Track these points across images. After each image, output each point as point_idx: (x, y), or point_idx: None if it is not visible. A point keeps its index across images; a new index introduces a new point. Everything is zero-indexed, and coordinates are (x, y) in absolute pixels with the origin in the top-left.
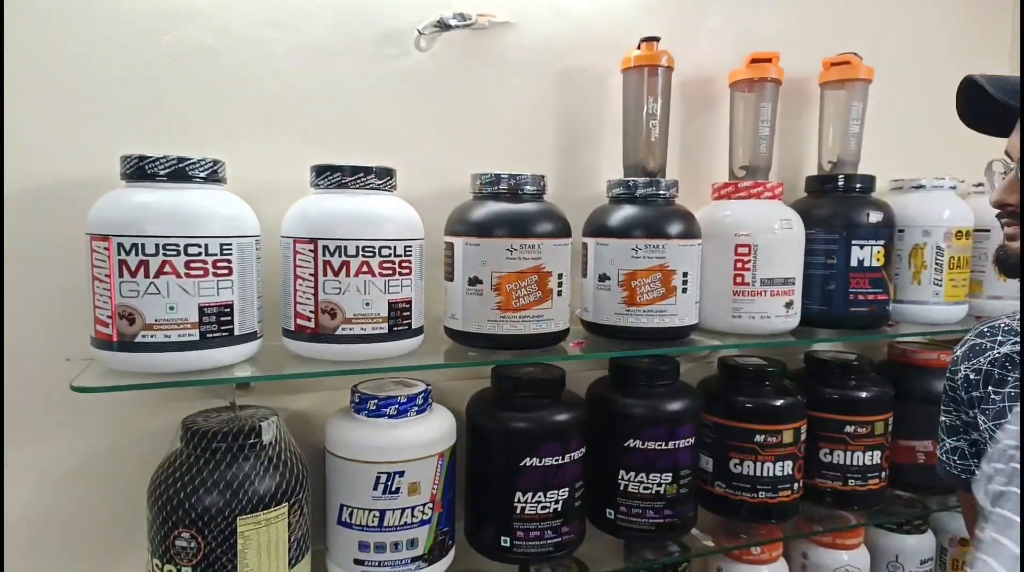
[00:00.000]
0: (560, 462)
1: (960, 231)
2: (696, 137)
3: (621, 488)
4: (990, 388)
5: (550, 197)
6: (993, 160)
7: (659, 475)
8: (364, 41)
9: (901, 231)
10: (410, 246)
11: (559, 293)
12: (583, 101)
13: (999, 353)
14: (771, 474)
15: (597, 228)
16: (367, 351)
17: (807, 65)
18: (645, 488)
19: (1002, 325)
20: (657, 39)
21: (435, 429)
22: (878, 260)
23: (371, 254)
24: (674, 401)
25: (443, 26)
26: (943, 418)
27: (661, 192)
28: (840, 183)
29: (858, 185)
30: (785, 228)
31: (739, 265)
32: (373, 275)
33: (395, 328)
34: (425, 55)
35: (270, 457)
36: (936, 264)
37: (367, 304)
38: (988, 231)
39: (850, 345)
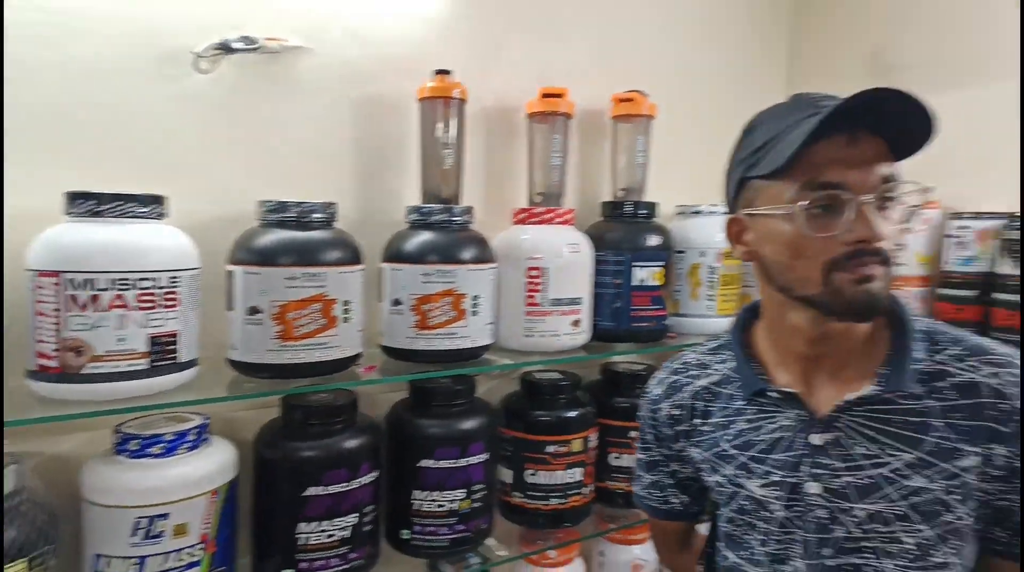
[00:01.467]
0: (347, 488)
1: (729, 252)
2: (502, 164)
3: (415, 508)
4: (696, 420)
5: (351, 223)
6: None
7: (452, 492)
8: (141, 60)
9: (681, 252)
10: (177, 277)
11: (346, 320)
12: (384, 127)
13: (699, 386)
14: (562, 481)
15: (392, 254)
16: (121, 389)
17: (601, 99)
18: (439, 506)
19: (691, 361)
20: (448, 72)
21: (208, 465)
22: (657, 279)
23: (127, 287)
24: (467, 420)
25: (226, 49)
26: (640, 456)
27: (455, 218)
28: (627, 209)
29: (642, 211)
30: (573, 251)
31: (531, 286)
32: (129, 309)
33: (157, 363)
34: (208, 78)
35: (10, 509)
36: (709, 281)
37: (121, 340)
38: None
39: (644, 356)
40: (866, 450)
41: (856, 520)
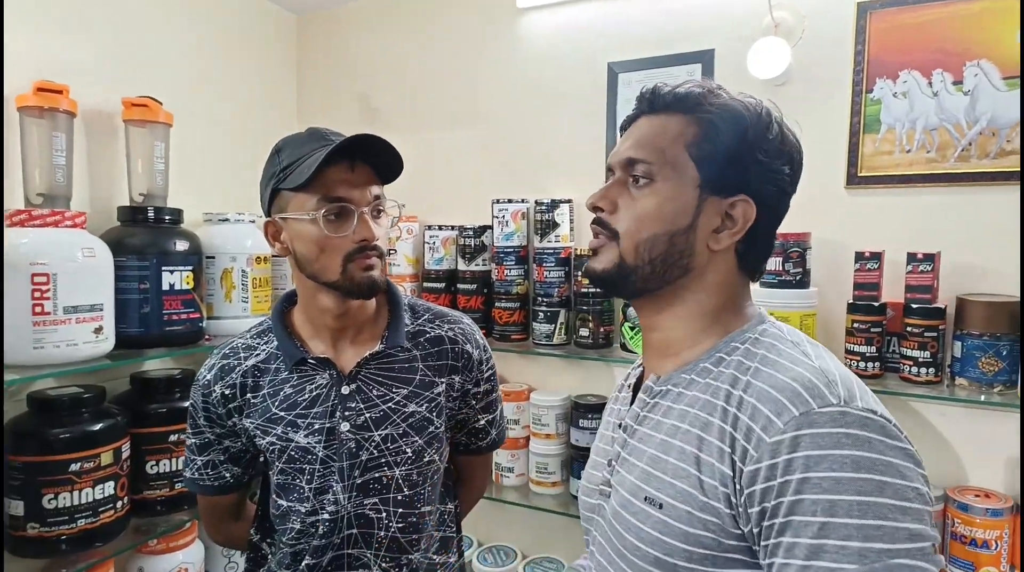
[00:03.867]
0: None
1: (260, 257)
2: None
3: None
4: (248, 395)
5: None
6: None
7: None
8: None
9: (211, 257)
10: None
11: None
12: None
13: (248, 365)
14: (91, 499)
15: None
16: None
17: (111, 102)
18: None
19: (239, 345)
20: None
21: None
22: (188, 283)
23: None
24: None
25: None
26: (192, 441)
27: None
28: (151, 215)
29: (167, 217)
30: (88, 256)
31: (38, 295)
32: None
33: None
34: None
35: None
36: (243, 285)
37: None
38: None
39: (178, 361)
40: (378, 391)
41: (375, 443)
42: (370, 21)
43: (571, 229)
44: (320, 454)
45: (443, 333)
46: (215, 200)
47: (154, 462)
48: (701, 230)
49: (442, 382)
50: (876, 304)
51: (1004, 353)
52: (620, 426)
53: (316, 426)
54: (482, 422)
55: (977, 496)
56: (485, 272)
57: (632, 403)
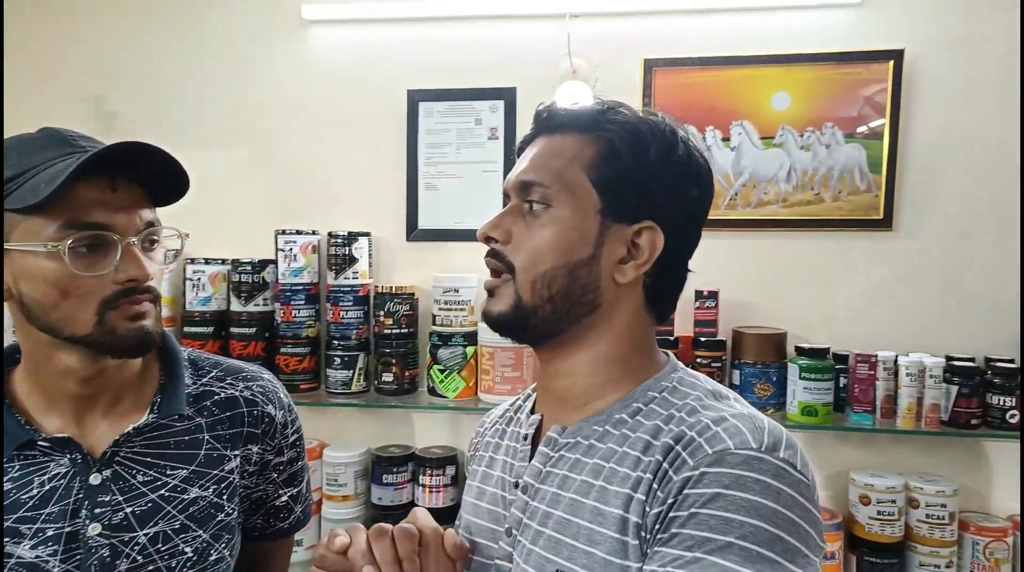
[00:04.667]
0: None
1: None
2: None
3: None
4: None
5: None
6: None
7: None
8: None
9: None
10: None
11: None
12: None
13: None
14: None
15: None
16: None
17: None
18: None
19: None
20: None
21: None
22: None
23: None
24: None
25: None
26: None
27: None
28: None
29: None
30: None
31: None
32: None
33: None
34: None
35: None
36: None
37: None
38: None
39: None
40: (144, 476)
41: (140, 546)
42: (109, 4)
43: (370, 264)
44: (56, 571)
45: (237, 393)
46: None
47: None
48: (605, 261)
49: (235, 456)
50: (672, 338)
51: (775, 379)
52: (517, 486)
53: (50, 532)
54: (284, 498)
55: None
56: (266, 313)
57: (531, 458)
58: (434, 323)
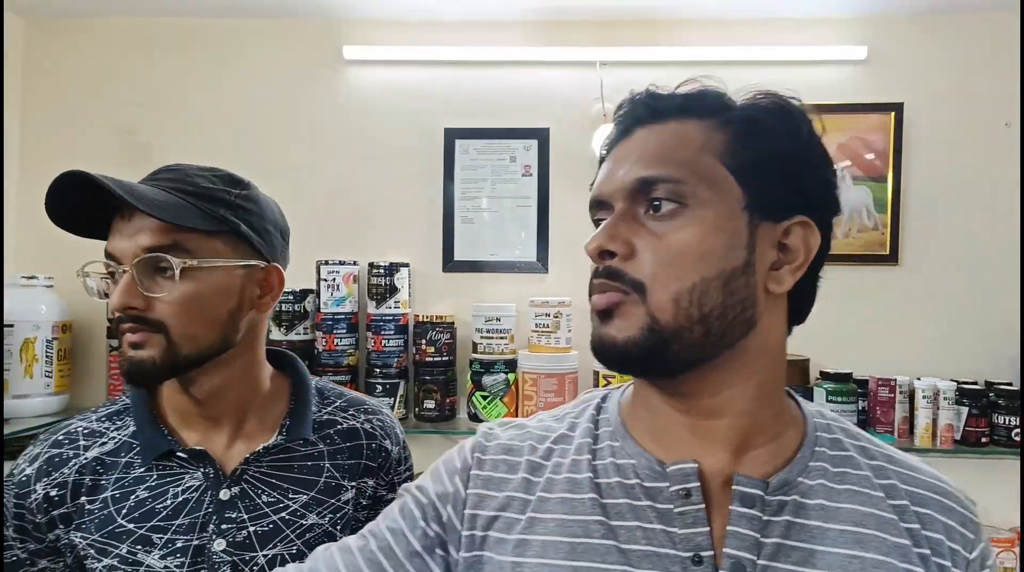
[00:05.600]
0: None
1: (66, 324)
2: None
3: None
4: (83, 499)
5: None
6: (87, 264)
7: None
8: None
9: (10, 326)
10: None
11: None
12: None
13: (88, 457)
14: None
15: None
16: None
17: None
18: None
19: (78, 430)
20: None
21: None
22: None
23: None
24: None
25: None
26: (16, 554)
27: None
28: None
29: None
30: None
31: None
32: None
33: None
34: None
35: None
36: (47, 357)
37: None
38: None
39: None
40: (268, 497)
41: (259, 568)
42: (142, 41)
43: (410, 294)
44: None
45: (359, 425)
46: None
47: None
48: (759, 268)
49: (351, 487)
50: None
51: None
52: (711, 563)
53: (179, 544)
54: None
55: None
56: (307, 341)
57: (709, 522)
58: (475, 351)
